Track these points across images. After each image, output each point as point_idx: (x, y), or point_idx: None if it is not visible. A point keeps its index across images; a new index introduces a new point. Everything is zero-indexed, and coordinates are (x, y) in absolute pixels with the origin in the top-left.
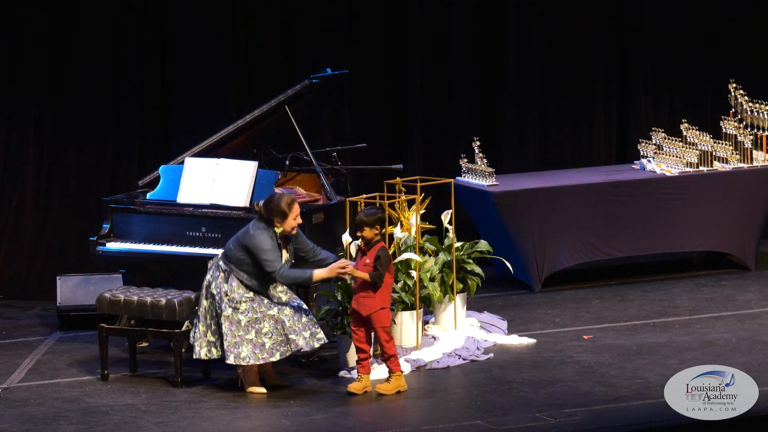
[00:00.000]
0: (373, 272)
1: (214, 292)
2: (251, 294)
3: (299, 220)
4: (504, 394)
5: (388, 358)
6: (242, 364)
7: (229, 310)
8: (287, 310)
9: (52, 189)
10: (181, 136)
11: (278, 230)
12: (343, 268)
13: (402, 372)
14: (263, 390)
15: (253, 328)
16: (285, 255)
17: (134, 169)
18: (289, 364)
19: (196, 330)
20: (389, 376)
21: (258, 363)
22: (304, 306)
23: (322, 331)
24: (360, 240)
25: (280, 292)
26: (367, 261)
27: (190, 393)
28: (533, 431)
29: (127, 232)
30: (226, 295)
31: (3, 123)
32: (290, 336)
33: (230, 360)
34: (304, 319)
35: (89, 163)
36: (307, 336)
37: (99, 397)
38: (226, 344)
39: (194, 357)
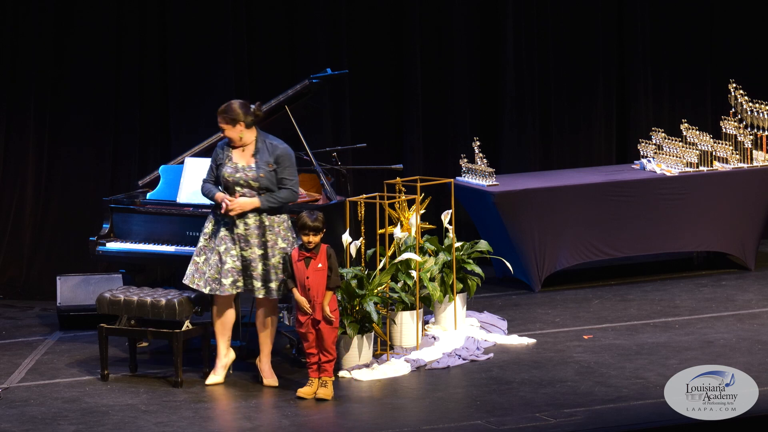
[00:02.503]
0: (330, 280)
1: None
2: (213, 225)
3: (232, 135)
4: (504, 394)
5: (330, 360)
6: (184, 282)
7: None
8: (233, 253)
9: (52, 189)
10: (181, 136)
11: None
12: (231, 203)
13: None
14: (275, 383)
15: (204, 254)
16: (250, 160)
17: (134, 169)
18: (289, 364)
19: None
20: (326, 382)
21: (192, 287)
22: (273, 262)
23: (271, 288)
24: (301, 246)
25: (270, 235)
26: (320, 265)
27: (190, 393)
28: (533, 431)
29: (127, 232)
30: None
31: (3, 123)
32: (222, 279)
33: (185, 280)
34: (254, 272)
35: (89, 163)
36: (245, 285)
37: (99, 397)
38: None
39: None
